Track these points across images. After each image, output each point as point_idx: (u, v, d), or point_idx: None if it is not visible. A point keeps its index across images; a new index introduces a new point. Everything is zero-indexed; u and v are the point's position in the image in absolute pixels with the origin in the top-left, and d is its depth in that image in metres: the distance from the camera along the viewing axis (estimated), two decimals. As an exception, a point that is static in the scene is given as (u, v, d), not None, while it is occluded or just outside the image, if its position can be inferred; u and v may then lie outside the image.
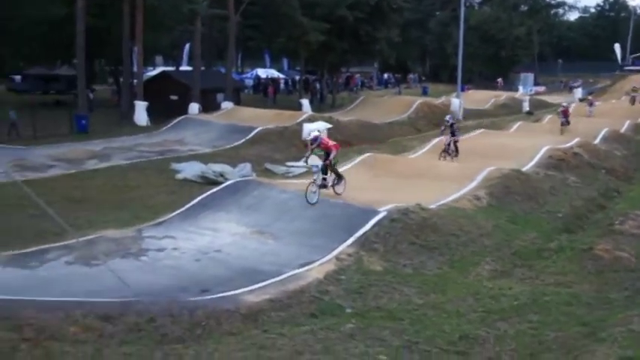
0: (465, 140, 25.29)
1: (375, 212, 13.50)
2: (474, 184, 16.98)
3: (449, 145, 21.09)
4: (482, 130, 29.26)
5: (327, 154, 14.86)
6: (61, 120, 28.17)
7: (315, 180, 14.57)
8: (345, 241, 12.42)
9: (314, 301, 9.85)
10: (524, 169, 18.57)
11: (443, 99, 41.41)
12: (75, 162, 21.01)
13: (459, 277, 11.52)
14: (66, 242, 11.90)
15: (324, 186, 14.80)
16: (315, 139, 14.95)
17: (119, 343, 7.63)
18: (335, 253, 11.90)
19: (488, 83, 63.38)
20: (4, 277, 10.27)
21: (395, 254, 12.18)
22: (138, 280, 10.53)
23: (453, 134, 21.19)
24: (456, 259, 12.33)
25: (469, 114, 39.03)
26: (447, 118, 22.10)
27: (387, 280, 10.94)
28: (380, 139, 28.44)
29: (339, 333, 8.46)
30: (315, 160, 15.01)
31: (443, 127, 22.03)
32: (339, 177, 15.24)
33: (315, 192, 14.36)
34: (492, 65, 68.59)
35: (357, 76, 60.93)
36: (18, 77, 45.86)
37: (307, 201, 14.11)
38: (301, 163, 21.54)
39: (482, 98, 46.96)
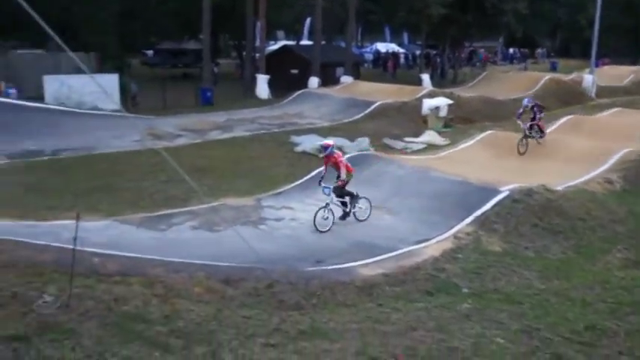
0: (597, 119, 23.74)
1: (496, 191, 13.10)
2: (606, 166, 15.96)
3: (530, 128, 18.70)
4: (617, 108, 27.24)
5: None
6: (188, 92, 29.64)
7: (327, 205, 12.32)
8: (463, 219, 12.19)
9: (429, 279, 9.75)
10: (664, 150, 17.13)
11: (574, 75, 38.91)
12: (200, 132, 22.07)
13: (586, 264, 10.91)
14: (191, 208, 12.60)
15: (345, 215, 12.80)
16: (326, 147, 12.80)
17: (239, 305, 7.97)
18: (453, 231, 11.71)
19: (625, 59, 58.68)
20: (137, 237, 11.08)
21: (516, 236, 11.76)
22: (256, 248, 10.95)
23: (533, 117, 18.86)
24: (582, 244, 11.69)
25: (603, 91, 36.43)
26: (525, 101, 19.68)
27: (507, 262, 10.60)
28: (503, 116, 27.26)
29: (454, 312, 8.31)
30: (328, 181, 12.75)
31: (521, 111, 19.14)
32: (353, 197, 12.84)
33: (327, 218, 12.23)
34: (632, 39, 63.19)
35: (482, 50, 58.69)
36: (150, 52, 48.80)
37: (316, 229, 12.10)
38: (419, 139, 21.28)
39: (618, 74, 43.54)
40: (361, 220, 12.81)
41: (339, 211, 12.76)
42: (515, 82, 35.55)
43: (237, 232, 9.99)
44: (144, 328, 6.38)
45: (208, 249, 10.54)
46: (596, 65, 40.44)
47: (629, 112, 26.20)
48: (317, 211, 12.15)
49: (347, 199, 12.76)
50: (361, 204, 12.89)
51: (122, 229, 11.47)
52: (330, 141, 13.54)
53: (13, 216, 11.43)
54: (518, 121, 18.90)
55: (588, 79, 35.68)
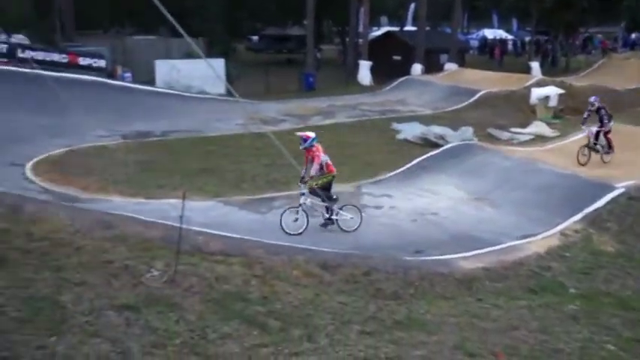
0: None
1: (611, 188, 12.36)
2: None
3: (596, 137, 15.57)
4: None
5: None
6: (291, 77, 30.08)
7: (299, 206, 10.94)
8: (571, 216, 11.59)
9: (533, 276, 9.37)
10: None
11: None
12: (302, 117, 22.36)
13: None
14: (291, 192, 12.80)
15: (326, 223, 11.21)
16: (305, 139, 11.31)
17: (336, 291, 8.01)
18: (560, 227, 11.16)
19: None
20: (239, 218, 11.43)
21: (631, 236, 11.05)
22: (355, 235, 10.98)
23: (601, 123, 15.60)
24: None
25: None
26: (592, 99, 15.95)
27: (620, 264, 9.98)
28: (620, 107, 25.57)
29: (560, 313, 7.94)
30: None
31: (587, 114, 15.90)
32: (330, 200, 11.10)
33: (297, 220, 10.79)
34: None
35: (599, 36, 55.22)
36: (255, 37, 49.96)
37: (283, 229, 10.64)
38: (526, 130, 20.43)
39: None
40: (347, 231, 11.07)
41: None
42: (637, 71, 33.16)
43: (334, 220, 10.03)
44: (243, 307, 6.55)
45: (306, 233, 10.67)
46: None
47: None
48: (283, 212, 10.92)
49: (325, 202, 11.05)
50: (347, 212, 11.27)
51: (225, 210, 11.88)
52: (310, 133, 11.70)
53: (126, 193, 12.13)
54: (583, 127, 15.94)
55: None
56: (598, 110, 15.67)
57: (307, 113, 23.10)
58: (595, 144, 15.60)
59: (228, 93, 22.44)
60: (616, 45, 56.62)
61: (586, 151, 15.43)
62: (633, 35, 60.49)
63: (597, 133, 15.58)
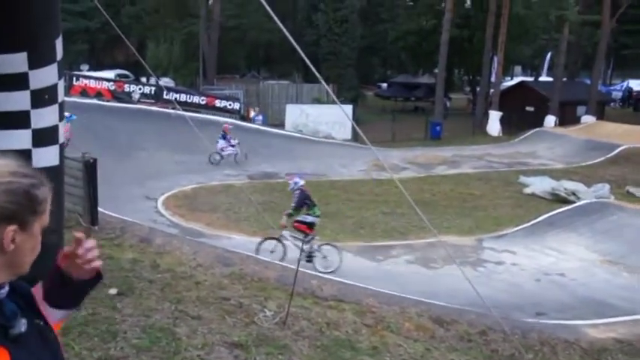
0: None
1: None
2: None
3: None
4: None
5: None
6: (418, 125, 30.10)
7: (280, 237, 11.06)
8: None
9: (673, 353, 8.50)
10: None
11: None
12: (425, 166, 22.23)
13: None
14: (409, 242, 12.69)
15: (307, 259, 10.79)
16: (295, 183, 11.65)
17: (448, 349, 7.75)
18: None
19: None
20: (354, 264, 11.48)
21: None
22: (470, 290, 10.58)
23: None
24: None
25: None
26: None
27: None
28: None
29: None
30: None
31: None
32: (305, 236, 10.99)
33: (273, 252, 10.77)
34: None
35: None
36: (384, 84, 50.77)
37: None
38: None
39: None
40: (323, 272, 10.34)
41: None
42: None
43: (461, 271, 9.78)
44: (351, 355, 6.52)
45: (422, 285, 10.49)
46: None
47: None
48: (263, 240, 10.98)
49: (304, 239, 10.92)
50: (325, 252, 11.07)
51: (341, 255, 11.97)
52: (299, 180, 11.88)
53: (247, 232, 12.64)
54: None
55: None
56: None
57: (431, 162, 22.94)
58: None
59: (354, 138, 22.89)
60: None
61: None
62: None
63: None
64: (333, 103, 30.46)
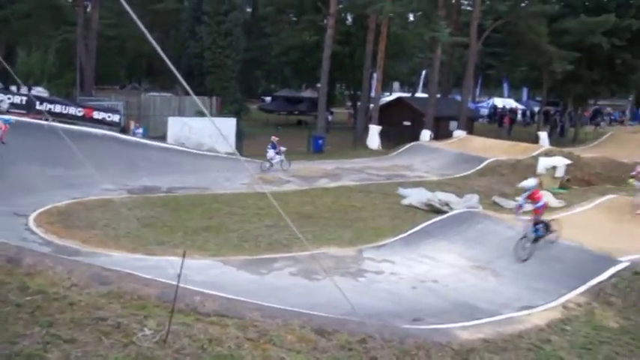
0: None
1: (615, 261, 12.23)
2: None
3: None
4: None
5: None
6: (301, 139, 30.52)
7: None
8: (574, 288, 11.44)
9: (532, 349, 9.19)
10: None
11: None
12: (308, 179, 22.55)
13: None
14: (292, 254, 12.80)
15: None
16: None
17: (330, 358, 7.91)
18: (562, 300, 11.01)
19: None
20: (237, 278, 11.40)
21: (636, 312, 10.85)
22: (353, 300, 10.86)
23: None
24: None
25: None
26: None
27: (624, 341, 9.77)
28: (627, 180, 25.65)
29: (559, 389, 7.78)
30: None
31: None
32: None
33: None
34: None
35: (608, 109, 56.00)
36: (268, 98, 51.07)
37: None
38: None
39: None
40: None
41: None
42: (644, 144, 33.38)
43: (334, 283, 9.99)
44: (234, 371, 6.49)
45: (305, 297, 10.62)
46: None
47: None
48: None
49: None
50: None
51: (224, 269, 11.87)
52: None
53: (126, 248, 12.19)
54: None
55: None
56: None
57: (314, 175, 23.31)
58: None
59: (237, 152, 22.79)
60: (624, 117, 57.28)
61: None
62: (643, 109, 60.98)
63: None
64: (217, 116, 30.28)
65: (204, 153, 24.64)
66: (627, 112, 60.49)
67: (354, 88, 44.30)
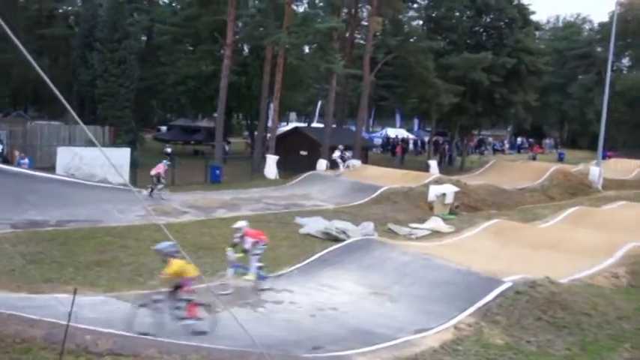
0: (603, 212, 23.75)
1: (499, 282, 12.92)
2: (612, 260, 15.78)
3: None
4: (623, 201, 27.26)
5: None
6: (198, 169, 30.08)
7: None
8: (465, 309, 11.96)
9: (428, 371, 9.51)
10: (673, 248, 16.96)
11: (580, 166, 39.24)
12: (206, 210, 22.18)
13: (591, 361, 10.61)
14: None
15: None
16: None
17: (229, 391, 7.77)
18: (453, 321, 11.48)
19: (633, 152, 59.12)
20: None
21: (518, 329, 11.49)
22: (253, 331, 10.75)
23: None
24: (588, 341, 11.38)
25: (609, 184, 36.58)
26: None
27: (509, 357, 10.33)
28: (509, 205, 27.40)
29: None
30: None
31: None
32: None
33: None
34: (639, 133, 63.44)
35: (490, 139, 59.81)
36: (164, 128, 50.02)
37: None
38: (425, 225, 21.27)
39: (625, 168, 43.78)
40: None
41: None
42: (522, 172, 35.81)
43: (232, 315, 9.84)
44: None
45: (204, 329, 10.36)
46: (603, 157, 40.83)
47: (635, 206, 26.17)
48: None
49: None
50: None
51: (118, 305, 11.35)
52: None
53: (9, 288, 11.38)
54: None
55: (595, 171, 35.87)
56: None
57: (211, 205, 22.97)
58: None
59: (131, 183, 22.06)
60: (504, 147, 61.42)
61: None
62: (519, 139, 65.91)
63: None
64: (110, 145, 29.24)
65: (96, 184, 23.63)
66: (506, 142, 64.94)
67: (251, 117, 44.39)
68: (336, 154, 31.86)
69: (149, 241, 16.14)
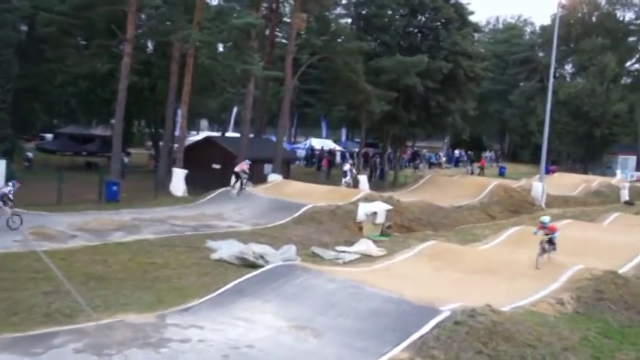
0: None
1: (436, 312, 13.08)
2: (556, 285, 16.35)
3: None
4: (568, 220, 28.46)
5: None
6: (90, 185, 29.14)
7: None
8: (397, 344, 12.01)
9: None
10: (620, 271, 17.77)
11: (522, 182, 40.83)
12: (99, 233, 21.46)
13: (537, 399, 10.88)
14: (78, 326, 11.95)
15: None
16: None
17: None
18: (385, 358, 11.50)
19: (577, 165, 62.37)
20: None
21: (458, 365, 11.66)
22: (155, 376, 10.41)
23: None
24: (533, 376, 11.71)
25: (554, 201, 38.22)
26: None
27: (447, 398, 10.44)
28: (446, 225, 28.09)
29: None
30: None
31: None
32: None
33: None
34: (583, 145, 66.99)
35: (425, 151, 61.32)
36: (49, 136, 48.22)
37: None
38: (353, 248, 21.39)
39: (570, 183, 46.03)
40: None
41: None
42: (460, 188, 36.93)
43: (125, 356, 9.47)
44: None
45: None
46: (546, 172, 42.66)
47: (581, 225, 27.38)
48: None
49: None
50: None
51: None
52: None
53: None
54: None
55: (538, 187, 37.36)
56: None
57: (106, 228, 22.24)
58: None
59: (4, 203, 21.00)
60: (441, 160, 63.20)
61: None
62: (457, 151, 67.98)
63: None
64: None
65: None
66: (443, 155, 66.83)
67: (155, 125, 43.58)
68: (347, 167, 37.45)
69: (28, 271, 15.44)
